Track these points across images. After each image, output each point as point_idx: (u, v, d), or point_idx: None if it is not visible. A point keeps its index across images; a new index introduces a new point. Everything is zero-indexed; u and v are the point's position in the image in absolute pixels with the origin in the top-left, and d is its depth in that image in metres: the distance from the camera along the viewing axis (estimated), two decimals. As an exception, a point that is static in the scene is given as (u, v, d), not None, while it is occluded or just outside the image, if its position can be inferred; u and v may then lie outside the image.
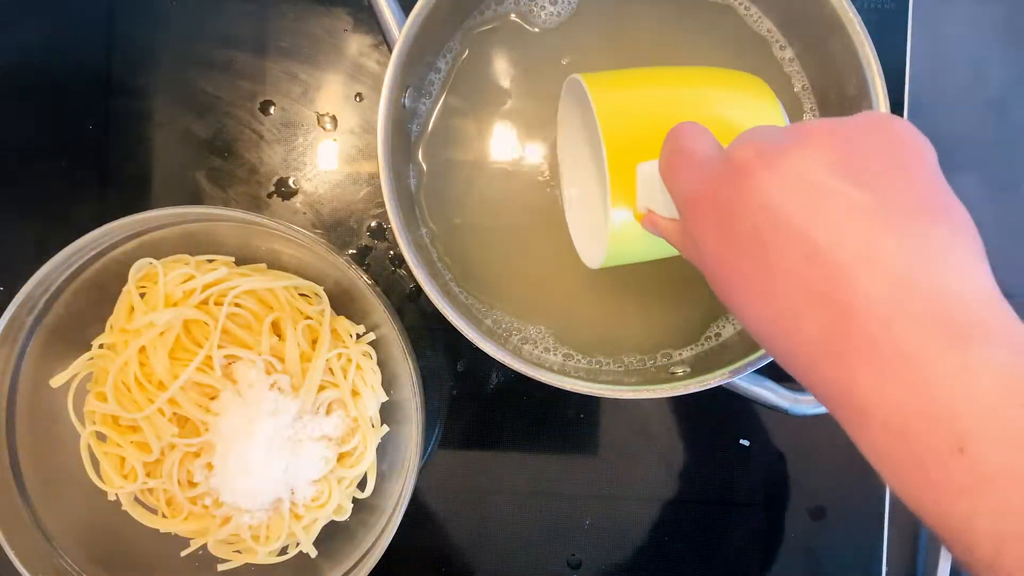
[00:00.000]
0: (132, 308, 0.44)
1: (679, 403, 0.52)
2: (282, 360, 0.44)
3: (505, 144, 0.46)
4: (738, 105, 0.38)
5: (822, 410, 0.42)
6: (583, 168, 0.44)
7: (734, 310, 0.27)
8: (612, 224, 0.36)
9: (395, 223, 0.40)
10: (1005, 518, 0.19)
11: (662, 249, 0.37)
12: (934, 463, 0.20)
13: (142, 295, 0.44)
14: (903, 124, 0.25)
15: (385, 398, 0.46)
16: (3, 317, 0.41)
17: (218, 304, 0.43)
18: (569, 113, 0.43)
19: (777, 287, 0.24)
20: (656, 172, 0.32)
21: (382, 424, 0.46)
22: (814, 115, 0.46)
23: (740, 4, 0.46)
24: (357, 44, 0.52)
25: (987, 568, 0.20)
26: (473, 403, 0.52)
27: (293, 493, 0.44)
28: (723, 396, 0.42)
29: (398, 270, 0.51)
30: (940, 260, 0.22)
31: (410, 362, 0.43)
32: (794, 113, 0.46)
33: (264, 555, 0.44)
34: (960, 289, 0.22)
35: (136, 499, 0.45)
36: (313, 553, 0.45)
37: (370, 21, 0.51)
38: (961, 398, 0.20)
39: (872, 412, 0.22)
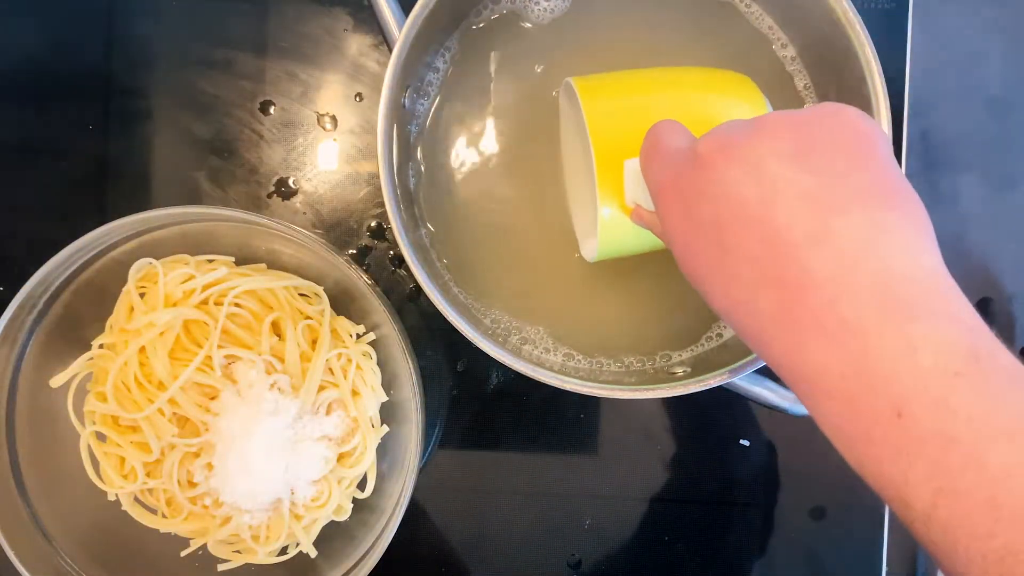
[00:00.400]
0: (132, 308, 0.44)
1: (679, 403, 0.52)
2: (282, 360, 0.44)
3: (504, 143, 0.46)
4: (723, 104, 0.39)
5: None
6: (580, 166, 0.45)
7: (702, 293, 0.29)
8: (601, 218, 0.37)
9: (395, 223, 0.40)
10: (937, 476, 0.21)
11: (653, 242, 0.39)
12: (875, 427, 0.22)
13: (142, 295, 0.44)
14: (855, 112, 0.27)
15: (385, 398, 0.46)
16: (3, 317, 0.41)
17: (218, 304, 0.43)
18: (567, 114, 0.45)
19: (736, 269, 0.26)
20: (634, 167, 0.35)
21: (382, 424, 0.46)
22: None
23: (741, 2, 0.46)
24: (357, 44, 0.52)
25: (923, 522, 0.22)
26: (473, 403, 0.52)
27: (293, 493, 0.44)
28: (723, 396, 0.42)
29: (398, 270, 0.51)
30: (886, 241, 0.24)
31: (410, 362, 0.43)
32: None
33: (264, 555, 0.44)
34: (905, 268, 0.23)
35: (136, 499, 0.45)
36: (313, 553, 0.45)
37: (370, 21, 0.51)
38: (900, 368, 0.22)
39: (819, 382, 0.24)
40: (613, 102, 0.39)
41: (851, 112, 0.27)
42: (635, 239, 0.39)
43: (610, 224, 0.38)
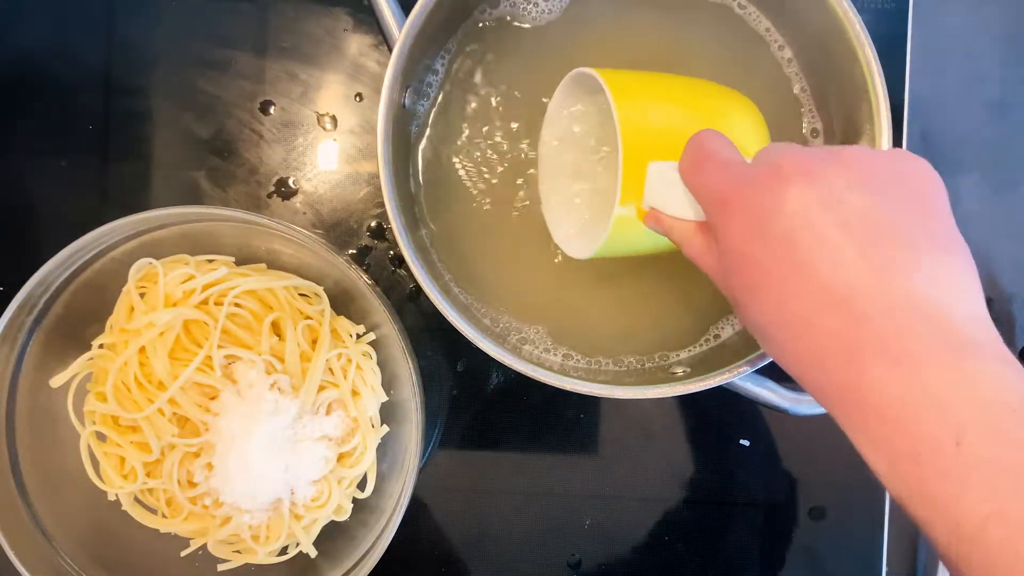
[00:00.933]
0: (132, 308, 0.44)
1: (679, 403, 0.52)
2: (282, 360, 0.44)
3: (504, 143, 0.46)
4: (738, 120, 0.40)
5: (822, 410, 0.42)
6: (571, 160, 0.45)
7: (743, 307, 0.30)
8: (618, 218, 0.37)
9: (395, 223, 0.40)
10: (991, 500, 0.22)
11: (654, 246, 0.39)
12: (928, 450, 0.24)
13: (142, 295, 0.44)
14: (925, 163, 0.29)
15: (385, 398, 0.46)
16: (3, 317, 0.41)
17: (218, 304, 0.43)
18: (566, 105, 0.44)
19: (801, 287, 0.27)
20: (667, 172, 0.34)
21: (382, 424, 0.46)
22: (812, 114, 0.46)
23: (736, 3, 0.46)
24: (357, 44, 0.52)
25: (971, 541, 0.23)
26: (473, 403, 0.52)
27: (293, 493, 0.44)
28: (723, 396, 0.42)
29: (398, 270, 0.51)
30: (948, 282, 0.26)
31: (410, 362, 0.43)
32: (793, 112, 0.46)
33: (264, 555, 0.44)
34: (965, 309, 0.26)
35: (136, 499, 0.45)
36: (313, 553, 0.45)
37: (370, 21, 0.51)
38: (961, 398, 0.24)
39: (875, 403, 0.25)
40: (643, 102, 0.38)
41: (923, 163, 0.29)
42: (638, 241, 0.39)
43: (622, 224, 0.37)
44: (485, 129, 0.46)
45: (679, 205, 0.34)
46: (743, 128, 0.40)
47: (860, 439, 0.26)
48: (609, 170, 0.45)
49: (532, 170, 0.46)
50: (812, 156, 0.28)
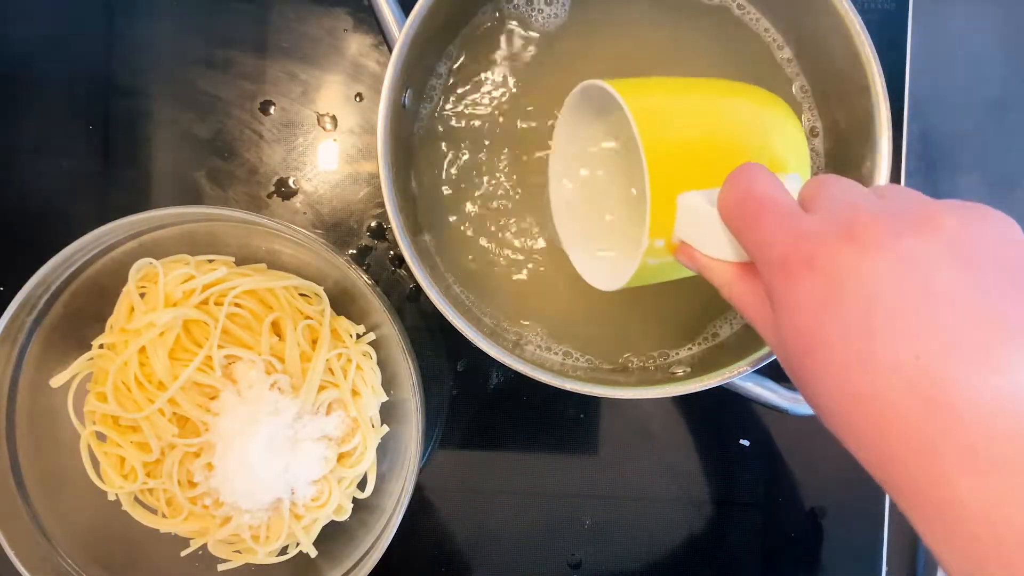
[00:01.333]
0: (132, 308, 0.44)
1: (679, 403, 0.52)
2: (282, 360, 0.44)
3: (504, 144, 0.46)
4: (776, 131, 0.36)
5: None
6: (588, 183, 0.43)
7: (802, 377, 0.26)
8: (648, 251, 0.33)
9: (395, 223, 0.40)
10: None
11: (679, 274, 0.37)
12: (1008, 555, 0.21)
13: (142, 295, 0.44)
14: (1019, 229, 0.26)
15: (385, 398, 0.46)
16: (3, 317, 0.41)
17: (218, 304, 0.43)
18: (576, 122, 0.41)
19: (872, 366, 0.24)
20: (701, 206, 0.31)
21: (382, 424, 0.46)
22: (813, 113, 0.46)
23: (735, 4, 0.46)
24: (357, 44, 0.52)
25: None
26: (473, 403, 0.52)
27: (293, 493, 0.44)
28: (723, 396, 0.42)
29: (398, 270, 0.51)
30: None
31: (410, 362, 0.43)
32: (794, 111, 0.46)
33: (264, 555, 0.44)
34: None
35: (136, 499, 0.45)
36: (313, 553, 0.45)
37: (370, 21, 0.51)
38: None
39: (955, 512, 0.22)
40: (668, 118, 0.34)
41: (1017, 229, 0.25)
42: (665, 272, 0.36)
43: (650, 257, 0.33)
44: (486, 130, 0.46)
45: (717, 244, 0.30)
46: (782, 140, 0.36)
47: (937, 538, 0.23)
48: (628, 193, 0.42)
49: (532, 170, 0.46)
50: (896, 215, 0.25)
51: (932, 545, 0.23)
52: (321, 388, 0.44)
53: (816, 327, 0.25)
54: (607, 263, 0.41)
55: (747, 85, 0.39)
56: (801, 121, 0.46)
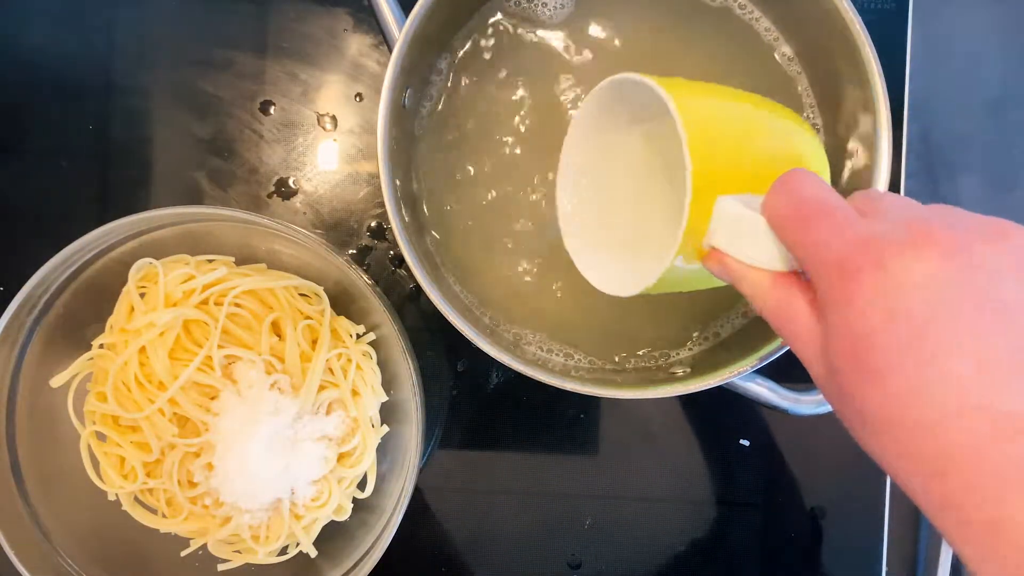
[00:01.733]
0: (132, 308, 0.44)
1: (679, 403, 0.52)
2: (282, 360, 0.44)
3: (505, 145, 0.46)
4: (807, 147, 0.35)
5: (822, 410, 0.42)
6: (609, 181, 0.40)
7: (852, 393, 0.25)
8: (678, 256, 0.31)
9: (395, 223, 0.40)
10: None
11: (708, 282, 0.34)
12: None
13: (142, 295, 0.44)
14: None
15: (385, 398, 0.46)
16: (3, 317, 0.41)
17: (218, 304, 0.43)
18: (599, 114, 0.38)
19: (929, 384, 0.23)
20: (743, 211, 0.29)
21: (382, 424, 0.46)
22: (813, 113, 0.46)
23: (736, 3, 0.46)
24: (357, 44, 0.52)
25: None
26: (473, 403, 0.52)
27: (293, 493, 0.44)
28: (723, 396, 0.42)
29: (398, 270, 0.51)
30: None
31: (410, 362, 0.43)
32: (795, 110, 0.46)
33: (264, 555, 0.44)
34: None
35: (136, 499, 0.45)
36: (313, 553, 0.45)
37: (370, 21, 0.51)
38: None
39: (1011, 540, 0.22)
40: (713, 129, 0.32)
41: None
42: (686, 281, 0.34)
43: (678, 260, 0.31)
44: (487, 130, 0.46)
45: (758, 250, 0.29)
46: (813, 155, 0.35)
47: (986, 565, 0.22)
48: (643, 195, 0.40)
49: (533, 171, 0.46)
50: (967, 225, 0.24)
51: (969, 561, 0.23)
52: (321, 388, 0.44)
53: (873, 336, 0.24)
54: (616, 267, 0.39)
55: (774, 102, 0.37)
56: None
